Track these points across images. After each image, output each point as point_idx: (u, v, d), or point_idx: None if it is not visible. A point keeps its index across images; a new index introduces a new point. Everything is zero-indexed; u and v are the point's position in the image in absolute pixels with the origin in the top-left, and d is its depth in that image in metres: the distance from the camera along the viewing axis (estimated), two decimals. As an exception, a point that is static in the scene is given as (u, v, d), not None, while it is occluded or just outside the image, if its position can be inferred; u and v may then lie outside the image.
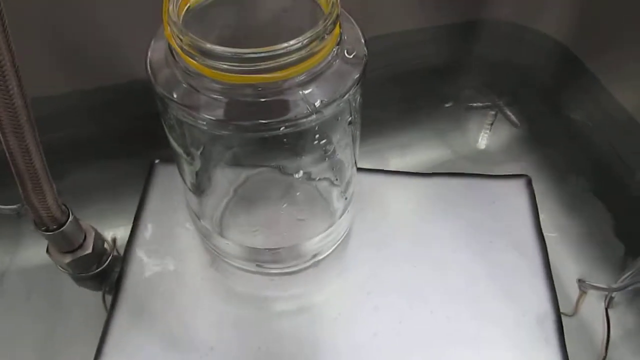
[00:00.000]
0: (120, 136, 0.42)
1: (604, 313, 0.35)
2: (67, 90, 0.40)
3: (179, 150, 0.31)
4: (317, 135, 0.29)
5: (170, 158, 0.34)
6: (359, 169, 0.39)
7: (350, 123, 0.30)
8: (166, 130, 0.31)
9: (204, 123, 0.26)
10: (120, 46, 0.39)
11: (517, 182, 0.41)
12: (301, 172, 0.32)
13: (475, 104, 0.48)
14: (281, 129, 0.25)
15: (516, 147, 0.46)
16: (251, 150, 0.32)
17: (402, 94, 0.47)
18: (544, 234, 0.39)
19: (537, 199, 0.40)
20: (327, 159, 0.32)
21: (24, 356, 0.36)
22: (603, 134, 0.45)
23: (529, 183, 0.41)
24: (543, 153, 0.45)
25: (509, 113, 0.47)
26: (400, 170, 0.42)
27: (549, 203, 0.42)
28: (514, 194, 0.40)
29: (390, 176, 0.41)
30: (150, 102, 0.30)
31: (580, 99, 0.47)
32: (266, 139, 0.28)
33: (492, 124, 0.47)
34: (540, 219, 0.40)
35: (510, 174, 0.42)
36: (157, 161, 0.41)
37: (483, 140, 0.46)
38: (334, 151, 0.31)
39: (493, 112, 0.47)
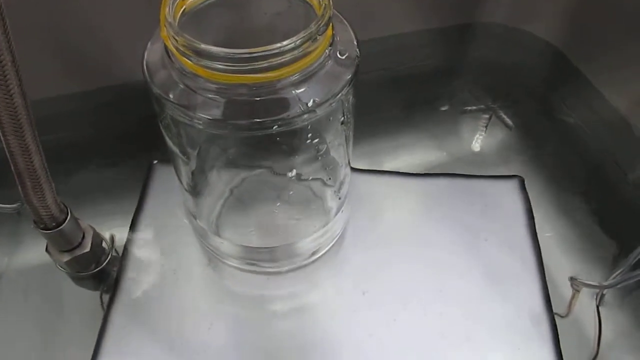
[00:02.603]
0: (119, 137, 0.42)
1: (596, 311, 0.36)
2: (67, 92, 0.41)
3: (175, 150, 0.31)
4: (310, 135, 0.30)
5: (169, 159, 0.35)
6: (354, 170, 0.39)
7: (342, 123, 0.31)
8: (163, 131, 0.31)
9: (200, 122, 0.27)
10: (119, 48, 0.40)
11: (511, 182, 0.41)
12: (294, 171, 0.33)
13: (469, 107, 0.48)
14: (275, 127, 0.26)
15: (510, 149, 0.46)
16: (246, 150, 0.33)
17: (396, 97, 0.48)
18: (538, 235, 0.39)
19: (531, 200, 0.41)
20: (320, 158, 0.32)
21: (22, 355, 0.37)
22: (596, 135, 0.45)
23: (522, 184, 0.41)
24: (537, 155, 0.45)
25: (503, 115, 0.48)
26: (395, 170, 0.42)
27: (542, 204, 0.42)
28: (507, 195, 0.41)
29: (385, 176, 0.42)
30: (149, 103, 0.30)
31: (573, 101, 0.47)
32: (260, 138, 0.28)
33: (486, 127, 0.47)
34: (535, 221, 0.40)
35: (504, 174, 0.42)
36: (155, 162, 0.42)
37: (477, 143, 0.46)
38: (327, 151, 0.32)
39: (487, 115, 0.48)
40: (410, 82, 0.49)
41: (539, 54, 0.51)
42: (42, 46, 0.39)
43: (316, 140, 0.30)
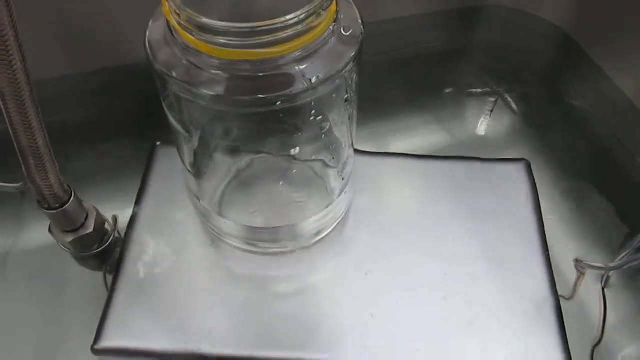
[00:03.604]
0: (122, 118, 0.42)
1: (601, 292, 0.35)
2: (70, 72, 0.41)
3: (179, 128, 0.31)
4: (313, 112, 0.29)
5: (172, 140, 0.35)
6: (358, 152, 0.39)
7: (346, 101, 0.30)
8: (166, 110, 0.31)
9: (203, 99, 0.27)
10: (122, 29, 0.40)
11: (517, 166, 0.41)
12: (297, 149, 0.32)
13: (475, 90, 0.48)
14: (278, 103, 0.26)
15: (516, 133, 0.46)
16: (249, 128, 0.33)
17: (402, 79, 0.48)
18: (544, 218, 0.39)
19: (536, 184, 0.41)
20: (323, 136, 0.32)
21: (25, 336, 0.37)
22: (603, 119, 0.45)
23: (529, 167, 0.41)
24: (543, 139, 0.45)
25: (508, 99, 0.47)
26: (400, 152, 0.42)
27: (547, 188, 0.42)
28: (513, 178, 0.40)
29: (389, 158, 0.41)
30: (152, 84, 0.30)
31: (580, 85, 0.47)
32: (264, 116, 0.28)
33: (492, 110, 0.47)
34: (540, 204, 0.40)
35: (510, 158, 0.42)
36: (158, 143, 0.42)
37: (482, 127, 0.46)
38: (330, 129, 0.32)
39: (493, 99, 0.47)
40: (416, 65, 0.49)
41: (546, 37, 0.50)
42: (44, 27, 0.39)
43: (320, 118, 0.30)
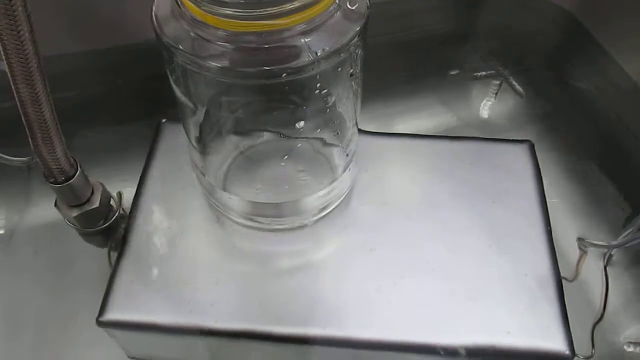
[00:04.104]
0: (128, 96, 0.42)
1: (603, 271, 0.35)
2: (78, 49, 0.41)
3: (185, 100, 0.31)
4: (318, 85, 0.30)
5: (177, 118, 0.35)
6: (363, 132, 0.39)
7: (351, 75, 0.30)
8: (172, 83, 0.31)
9: (210, 71, 0.27)
10: (128, 7, 0.40)
11: (520, 146, 0.41)
12: (302, 122, 0.33)
13: (480, 73, 0.48)
14: (283, 75, 0.26)
15: (520, 116, 0.46)
16: (254, 101, 0.33)
17: (407, 61, 0.48)
18: (547, 201, 0.39)
19: (540, 166, 0.41)
20: (328, 110, 0.32)
21: (31, 312, 0.37)
22: (608, 102, 0.45)
23: (532, 148, 0.41)
24: (547, 122, 0.45)
25: (513, 82, 0.47)
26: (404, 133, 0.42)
27: (551, 170, 0.42)
28: (516, 158, 0.40)
29: (394, 138, 0.41)
30: (158, 62, 0.30)
31: (586, 67, 0.47)
32: (269, 88, 0.28)
33: (496, 93, 0.47)
34: (544, 185, 0.40)
35: (514, 137, 0.42)
36: (163, 120, 0.42)
37: (487, 109, 0.46)
38: (335, 104, 0.32)
39: (498, 81, 0.47)
40: (421, 47, 0.49)
41: (551, 20, 0.50)
42: (50, 3, 0.39)
43: (324, 92, 0.30)
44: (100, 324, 0.34)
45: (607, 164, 0.42)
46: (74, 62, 0.41)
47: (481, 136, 0.42)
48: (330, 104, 0.31)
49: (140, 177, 0.39)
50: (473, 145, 0.41)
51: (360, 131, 0.37)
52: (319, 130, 0.35)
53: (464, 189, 0.39)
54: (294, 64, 0.26)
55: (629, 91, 0.45)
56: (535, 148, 0.41)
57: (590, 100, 0.46)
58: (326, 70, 0.27)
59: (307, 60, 0.26)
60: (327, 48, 0.26)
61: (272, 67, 0.26)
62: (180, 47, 0.27)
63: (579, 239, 0.37)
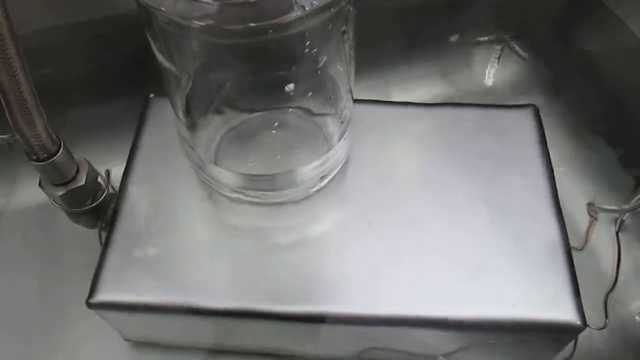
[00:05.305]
0: (112, 71, 0.41)
1: (615, 237, 0.34)
2: (55, 23, 0.39)
3: (168, 65, 0.30)
4: (308, 43, 0.28)
5: (165, 92, 0.33)
6: (359, 101, 0.38)
7: (343, 33, 0.29)
8: (154, 50, 0.29)
9: (194, 32, 0.25)
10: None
11: (524, 112, 0.39)
12: (292, 85, 0.31)
13: (481, 38, 0.46)
14: (270, 32, 0.24)
15: (525, 81, 0.44)
16: (242, 69, 0.31)
17: (404, 28, 0.46)
18: (554, 169, 0.38)
19: (546, 133, 0.39)
20: (319, 72, 0.31)
21: (20, 294, 0.36)
22: (615, 65, 0.43)
23: (537, 113, 0.39)
24: (553, 87, 0.43)
25: (516, 47, 0.46)
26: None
27: (558, 137, 0.41)
28: (520, 124, 0.39)
29: (391, 107, 0.40)
30: (142, 34, 0.28)
31: (591, 29, 0.45)
32: (257, 51, 0.27)
33: (499, 58, 0.45)
34: (550, 152, 0.38)
35: (518, 103, 0.40)
36: (151, 95, 0.40)
37: (490, 76, 0.44)
38: (327, 65, 0.30)
39: (500, 46, 0.46)
40: (419, 13, 0.47)
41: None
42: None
43: (315, 51, 0.28)
44: (91, 305, 0.32)
45: (615, 128, 0.41)
46: (53, 37, 0.40)
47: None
48: (321, 64, 0.30)
49: (129, 154, 0.38)
50: (474, 113, 0.40)
51: (355, 101, 0.36)
52: (310, 94, 0.33)
53: (466, 158, 0.37)
54: (281, 19, 0.24)
55: (638, 53, 0.43)
56: (541, 113, 0.40)
57: (597, 63, 0.44)
58: (316, 28, 0.26)
59: (295, 15, 0.24)
60: (316, 2, 0.25)
61: (259, 24, 0.24)
62: (162, 8, 0.25)
63: (589, 204, 0.35)
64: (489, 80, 0.44)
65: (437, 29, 0.46)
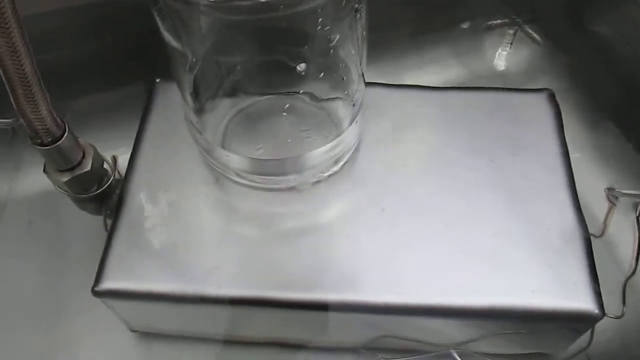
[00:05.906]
0: (117, 55, 0.40)
1: (635, 222, 0.33)
2: (62, 5, 0.38)
3: (175, 45, 0.29)
4: (320, 20, 0.27)
5: (172, 76, 0.33)
6: (370, 84, 0.37)
7: (356, 11, 0.28)
8: (162, 30, 0.29)
9: (201, 9, 0.24)
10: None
11: (540, 96, 0.38)
12: (303, 65, 0.30)
13: (493, 22, 0.45)
14: (281, 7, 0.23)
15: (538, 66, 0.43)
16: (252, 49, 0.30)
17: (416, 13, 0.45)
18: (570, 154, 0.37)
19: (561, 114, 0.38)
20: (331, 51, 0.30)
21: (26, 281, 0.36)
22: (632, 48, 0.42)
23: (552, 97, 0.38)
24: (567, 71, 0.42)
25: (529, 30, 0.44)
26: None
27: (574, 123, 0.40)
28: (536, 109, 0.38)
29: (404, 90, 0.39)
30: (147, 18, 0.28)
31: (607, 12, 0.44)
32: (267, 30, 0.26)
33: (511, 43, 0.44)
34: (565, 137, 0.37)
35: (532, 88, 0.39)
36: (158, 80, 0.39)
37: (502, 60, 0.43)
38: (339, 45, 0.29)
39: (512, 30, 0.44)
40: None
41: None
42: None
43: (327, 29, 0.27)
44: (96, 293, 0.32)
45: (632, 112, 0.39)
46: (60, 20, 0.39)
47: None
48: (333, 43, 0.29)
49: (135, 140, 0.37)
50: (488, 96, 0.39)
51: (367, 84, 0.35)
52: (322, 74, 0.32)
53: (480, 143, 0.36)
54: (292, -6, 0.23)
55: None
56: (556, 98, 0.39)
57: (612, 46, 0.43)
58: (328, 4, 0.25)
59: (306, -10, 0.23)
60: (329, -23, 0.24)
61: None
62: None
63: (609, 189, 0.34)
64: (501, 65, 0.43)
65: (449, 13, 0.45)
